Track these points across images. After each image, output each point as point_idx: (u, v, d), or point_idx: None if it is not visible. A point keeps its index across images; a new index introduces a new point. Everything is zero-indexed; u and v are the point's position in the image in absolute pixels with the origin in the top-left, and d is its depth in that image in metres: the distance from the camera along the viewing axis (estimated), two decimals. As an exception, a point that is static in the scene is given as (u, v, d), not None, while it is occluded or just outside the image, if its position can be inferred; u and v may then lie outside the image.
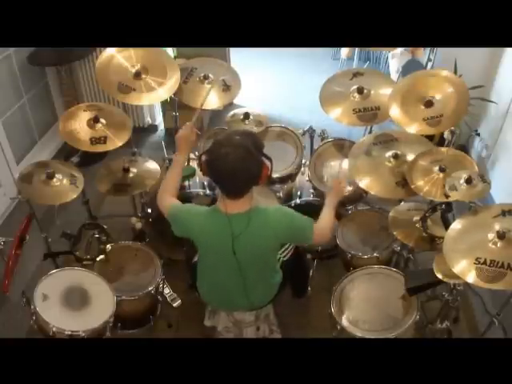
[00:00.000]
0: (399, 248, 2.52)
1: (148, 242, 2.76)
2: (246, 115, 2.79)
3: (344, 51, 5.14)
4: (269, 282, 2.05)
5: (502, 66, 3.42)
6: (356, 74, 2.72)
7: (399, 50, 4.19)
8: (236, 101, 4.24)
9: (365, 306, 2.14)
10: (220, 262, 1.93)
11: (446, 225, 2.03)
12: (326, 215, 2.03)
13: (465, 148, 3.69)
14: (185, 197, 2.75)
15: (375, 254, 2.46)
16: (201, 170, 1.87)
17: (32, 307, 2.00)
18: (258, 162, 1.77)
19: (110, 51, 2.55)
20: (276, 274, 2.08)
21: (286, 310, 2.48)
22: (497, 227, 1.78)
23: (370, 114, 2.59)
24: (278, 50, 4.96)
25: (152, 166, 2.71)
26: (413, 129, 2.38)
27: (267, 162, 1.82)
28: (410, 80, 2.54)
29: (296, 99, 4.66)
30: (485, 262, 1.70)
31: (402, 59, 4.14)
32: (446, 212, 2.14)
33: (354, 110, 2.59)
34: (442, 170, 2.16)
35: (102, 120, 2.53)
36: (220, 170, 1.75)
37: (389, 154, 2.38)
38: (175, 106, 2.80)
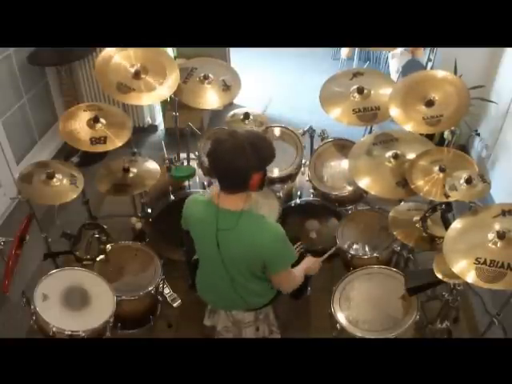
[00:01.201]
0: (399, 248, 2.52)
1: (148, 242, 2.75)
2: (246, 115, 2.79)
3: (344, 51, 5.14)
4: (258, 284, 2.02)
5: (502, 66, 3.42)
6: (356, 74, 2.72)
7: (399, 49, 4.19)
8: (236, 101, 4.24)
9: (365, 306, 2.14)
10: (207, 254, 1.95)
11: (446, 225, 2.03)
12: (298, 272, 2.03)
13: (465, 148, 3.69)
14: (185, 197, 2.76)
15: (375, 254, 2.46)
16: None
17: (32, 307, 2.00)
18: (248, 165, 1.75)
19: (109, 51, 2.55)
20: (263, 279, 2.03)
21: (285, 310, 2.48)
22: (497, 227, 1.78)
23: (369, 114, 2.59)
24: (277, 49, 4.96)
25: (152, 165, 2.71)
26: (412, 128, 2.38)
27: (261, 172, 1.82)
28: (410, 80, 2.54)
29: (296, 99, 4.66)
30: (485, 262, 1.70)
31: (402, 59, 4.14)
32: (445, 212, 2.14)
33: (353, 110, 2.59)
34: (442, 170, 2.16)
35: (102, 120, 2.53)
36: (215, 156, 1.78)
37: (389, 154, 2.38)
38: (175, 106, 2.80)
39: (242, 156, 1.73)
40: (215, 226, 1.83)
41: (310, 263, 2.13)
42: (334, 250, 2.38)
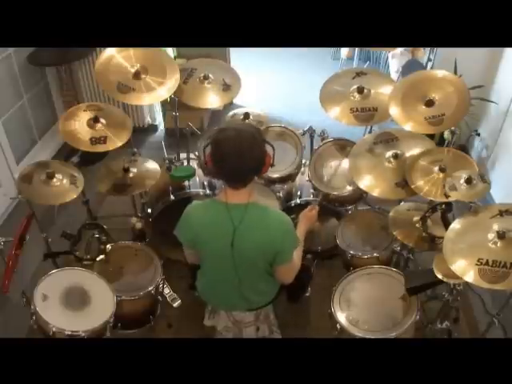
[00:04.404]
0: (399, 248, 2.52)
1: (148, 242, 2.76)
2: (246, 115, 2.79)
3: (344, 51, 5.15)
4: (266, 282, 2.03)
5: (501, 66, 3.42)
6: (359, 74, 2.71)
7: (399, 49, 4.19)
8: (236, 101, 4.25)
9: (365, 306, 2.13)
10: (217, 257, 1.92)
11: (446, 225, 2.03)
12: (297, 252, 1.98)
13: (465, 148, 3.69)
14: (185, 197, 2.76)
15: (375, 254, 2.46)
16: (205, 164, 1.88)
17: (32, 307, 2.00)
18: (262, 148, 1.79)
19: (109, 51, 2.56)
20: (271, 276, 2.03)
21: (286, 309, 2.47)
22: (496, 227, 1.77)
23: (366, 115, 2.58)
24: (278, 49, 4.96)
25: (152, 165, 2.71)
26: (414, 128, 2.38)
27: (269, 151, 1.84)
28: (410, 80, 2.54)
29: (296, 99, 4.66)
30: (487, 263, 1.70)
31: (401, 59, 4.14)
32: (445, 212, 2.14)
33: (351, 110, 2.58)
34: (442, 170, 2.16)
35: (102, 120, 2.53)
36: (227, 152, 1.73)
37: (389, 154, 2.37)
38: (175, 106, 2.80)
39: (257, 144, 1.76)
40: (231, 224, 1.80)
41: (306, 222, 2.12)
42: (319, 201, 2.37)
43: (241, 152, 1.72)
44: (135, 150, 2.92)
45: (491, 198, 3.12)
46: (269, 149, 1.86)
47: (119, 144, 2.51)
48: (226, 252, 1.85)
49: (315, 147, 2.89)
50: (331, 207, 2.76)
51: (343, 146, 2.77)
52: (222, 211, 1.82)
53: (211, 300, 2.16)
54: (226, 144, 1.74)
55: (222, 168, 1.80)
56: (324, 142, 2.84)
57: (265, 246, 1.85)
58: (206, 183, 2.85)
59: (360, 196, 2.77)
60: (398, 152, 2.36)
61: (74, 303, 2.08)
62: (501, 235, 1.73)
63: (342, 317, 2.09)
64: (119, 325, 2.27)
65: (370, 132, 2.85)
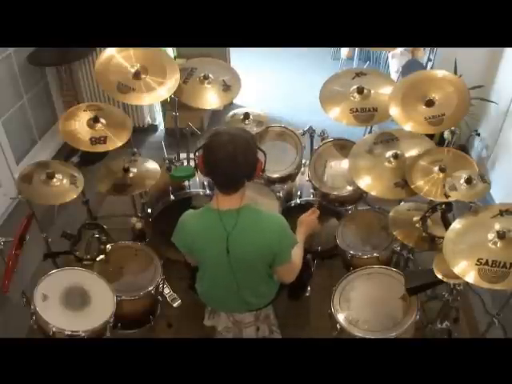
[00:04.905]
0: (399, 248, 2.52)
1: (148, 242, 2.76)
2: (246, 115, 2.79)
3: (344, 51, 5.15)
4: (266, 284, 2.03)
5: (501, 66, 3.42)
6: (359, 74, 2.71)
7: (399, 49, 4.19)
8: (236, 101, 4.25)
9: (365, 306, 2.14)
10: (214, 263, 1.92)
11: (446, 225, 2.03)
12: (297, 251, 1.98)
13: (465, 148, 3.69)
14: (185, 197, 2.76)
15: (375, 254, 2.46)
16: (197, 166, 1.88)
17: (32, 307, 2.00)
18: (255, 154, 1.79)
19: (109, 51, 2.56)
20: (271, 277, 2.04)
21: (286, 309, 2.47)
22: (496, 227, 1.77)
23: (366, 115, 2.58)
24: (277, 49, 4.96)
25: (152, 165, 2.71)
26: (414, 128, 2.38)
27: (260, 157, 1.84)
28: (410, 80, 2.54)
29: (296, 99, 4.66)
30: (487, 263, 1.70)
31: (401, 59, 4.14)
32: (445, 212, 2.14)
33: (351, 110, 2.58)
34: (442, 170, 2.16)
35: (102, 120, 2.53)
36: (220, 158, 1.72)
37: (389, 154, 2.38)
38: (175, 106, 2.80)
39: (250, 150, 1.76)
40: (224, 231, 1.80)
41: (306, 226, 2.12)
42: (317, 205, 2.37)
43: (234, 157, 1.71)
44: (135, 150, 2.92)
45: (491, 197, 3.12)
46: (260, 155, 1.86)
47: (119, 144, 2.51)
48: (222, 259, 1.85)
49: (315, 147, 2.89)
50: (331, 207, 2.76)
51: (343, 146, 2.77)
52: (214, 218, 1.81)
53: (210, 303, 2.16)
54: (220, 149, 1.73)
55: (214, 173, 1.80)
56: (324, 141, 2.84)
57: (263, 249, 1.85)
58: (205, 183, 2.85)
59: (360, 196, 2.77)
60: (398, 152, 2.36)
61: (74, 303, 2.08)
62: (501, 235, 1.73)
63: (341, 317, 2.10)
64: (119, 325, 2.27)
65: (369, 132, 2.85)
